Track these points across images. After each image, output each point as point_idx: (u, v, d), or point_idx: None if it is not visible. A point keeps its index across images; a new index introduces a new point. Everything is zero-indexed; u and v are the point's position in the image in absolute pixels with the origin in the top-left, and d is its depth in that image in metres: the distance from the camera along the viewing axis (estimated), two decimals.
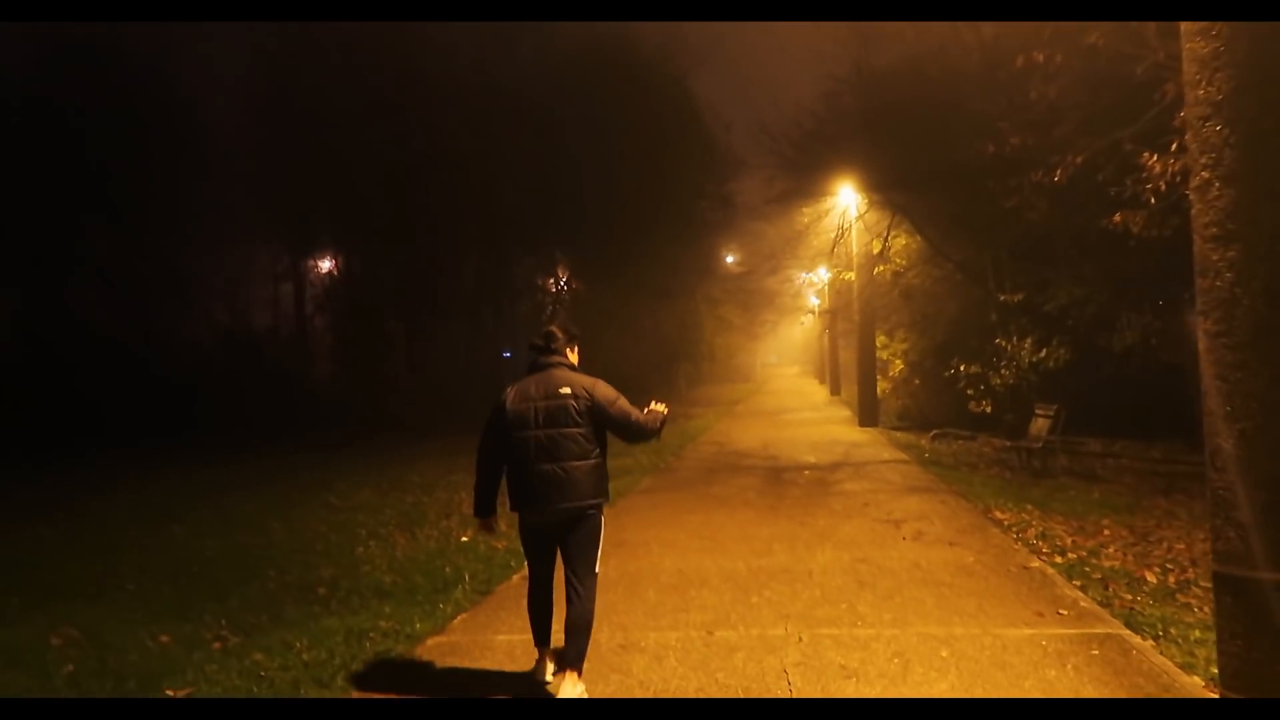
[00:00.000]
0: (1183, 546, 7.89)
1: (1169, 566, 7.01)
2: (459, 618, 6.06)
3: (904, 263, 20.99)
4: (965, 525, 8.60)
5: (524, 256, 28.99)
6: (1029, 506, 9.81)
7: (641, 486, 12.58)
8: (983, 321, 17.03)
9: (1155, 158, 7.62)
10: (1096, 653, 4.71)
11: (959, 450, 16.66)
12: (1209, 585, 6.54)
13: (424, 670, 4.97)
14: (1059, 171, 8.72)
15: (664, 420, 4.78)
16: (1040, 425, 14.51)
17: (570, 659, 4.38)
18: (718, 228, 33.67)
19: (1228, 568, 3.33)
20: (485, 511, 4.78)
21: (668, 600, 6.23)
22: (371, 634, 5.66)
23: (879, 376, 22.37)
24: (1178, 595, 6.09)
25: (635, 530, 9.05)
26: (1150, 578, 6.60)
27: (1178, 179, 7.54)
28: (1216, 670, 3.44)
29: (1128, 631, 5.09)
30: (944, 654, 4.77)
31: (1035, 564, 6.88)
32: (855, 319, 22.18)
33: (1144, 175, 7.80)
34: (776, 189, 27.26)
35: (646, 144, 26.62)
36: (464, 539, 9.01)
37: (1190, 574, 6.79)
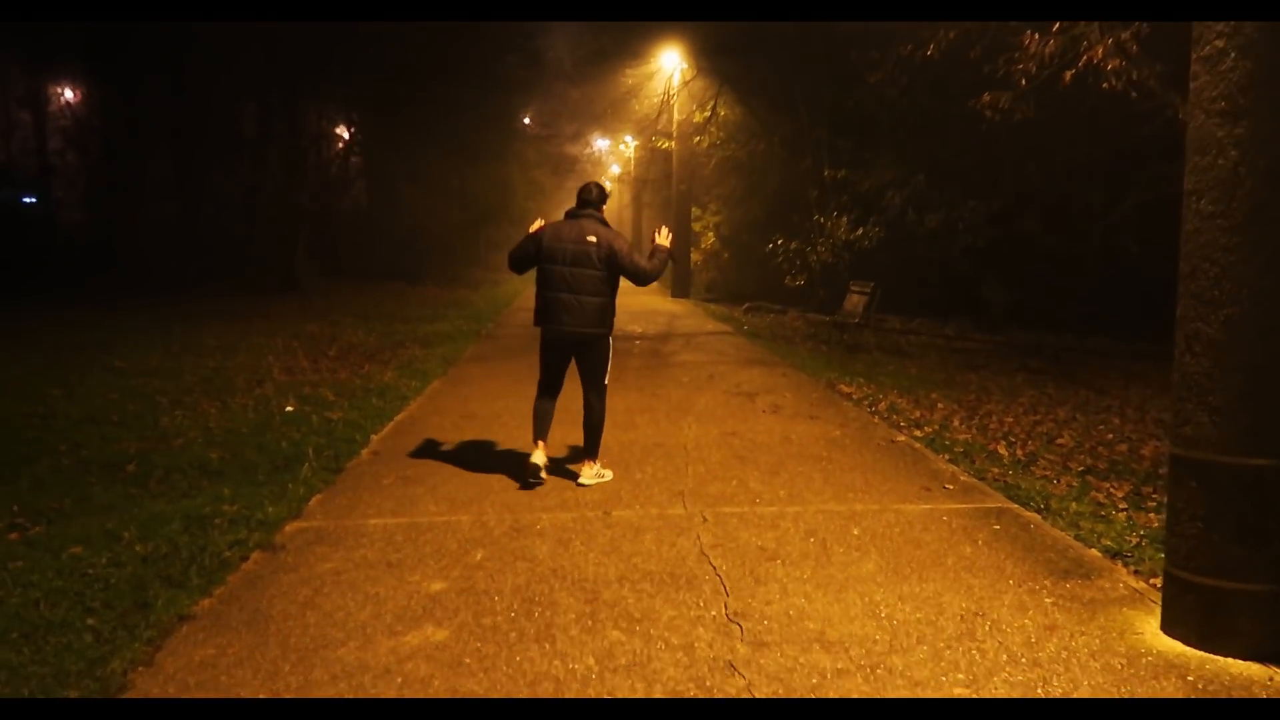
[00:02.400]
0: (1011, 420, 8.36)
1: (1011, 440, 7.37)
2: (314, 499, 5.40)
3: (722, 135, 20.85)
4: (816, 399, 8.72)
5: (314, 101, 26.38)
6: (861, 380, 10.11)
7: (468, 354, 11.98)
8: (803, 198, 17.26)
9: (1035, 36, 7.64)
10: (998, 527, 4.79)
11: (772, 323, 17.10)
12: (1053, 458, 6.96)
13: (294, 564, 4.35)
14: (931, 46, 8.63)
15: (669, 254, 5.85)
16: (855, 302, 15.03)
17: (588, 451, 5.76)
18: (525, 85, 32.12)
19: (1194, 452, 3.32)
20: (520, 271, 5.89)
21: (547, 478, 5.84)
22: (216, 520, 4.90)
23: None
24: (1032, 469, 6.38)
25: (482, 401, 8.54)
26: (1002, 451, 6.90)
27: (1054, 60, 7.62)
28: (1166, 551, 3.50)
29: (1016, 506, 5.24)
30: (855, 532, 4.71)
31: (901, 438, 7.02)
32: (672, 189, 21.96)
33: (1017, 55, 7.83)
34: (588, 47, 26.11)
35: None
36: (288, 409, 8.16)
37: (1031, 447, 7.17)
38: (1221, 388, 3.22)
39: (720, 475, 5.86)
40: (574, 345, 5.64)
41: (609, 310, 5.62)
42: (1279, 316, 3.12)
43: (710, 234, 22.14)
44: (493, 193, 26.04)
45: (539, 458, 5.62)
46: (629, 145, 35.35)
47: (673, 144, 21.54)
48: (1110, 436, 7.82)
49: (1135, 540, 4.67)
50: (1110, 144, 11.78)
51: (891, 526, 4.79)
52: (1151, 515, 5.35)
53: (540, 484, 5.58)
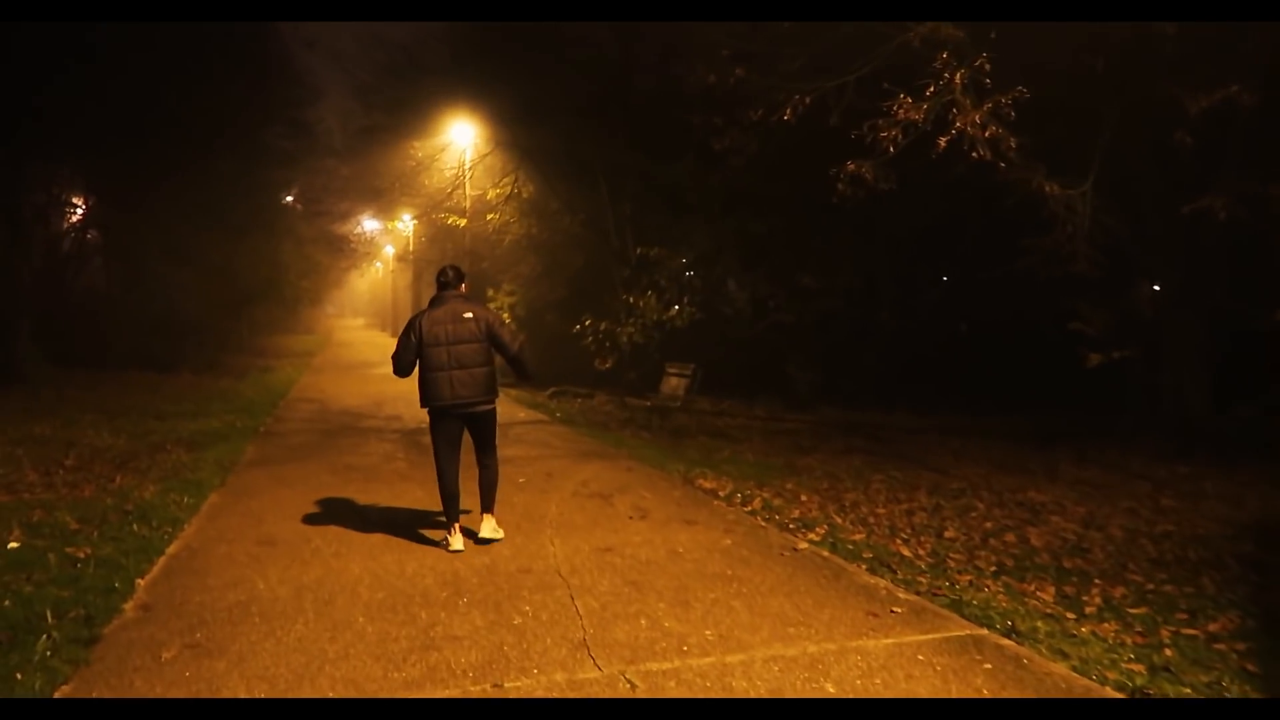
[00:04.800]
0: (883, 511, 7.76)
1: (904, 536, 6.72)
2: (59, 694, 3.73)
3: (520, 211, 19.92)
4: (680, 498, 7.72)
5: (42, 166, 22.98)
6: (710, 472, 9.27)
7: (248, 457, 10.08)
8: (611, 276, 16.57)
9: (909, 101, 7.22)
10: (990, 666, 3.93)
11: (583, 409, 16.10)
12: (957, 556, 6.31)
13: None
14: (788, 110, 8.08)
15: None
16: (674, 384, 14.42)
17: (486, 506, 6.17)
18: (294, 158, 29.81)
19: None
20: (408, 373, 6.09)
21: (394, 631, 4.43)
22: None
23: None
24: (951, 574, 5.68)
25: (280, 520, 6.89)
26: (906, 552, 6.19)
27: (928, 126, 7.24)
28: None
29: (984, 630, 4.43)
30: (830, 688, 3.69)
31: (803, 545, 6.12)
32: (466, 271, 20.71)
33: (881, 122, 7.41)
34: (359, 123, 24.51)
35: (208, 53, 22.29)
36: (12, 544, 6.16)
37: (927, 543, 6.53)
38: None
39: (621, 612, 4.68)
40: (467, 418, 6.02)
41: (495, 377, 6.07)
42: None
43: (506, 315, 21.01)
44: (262, 270, 23.58)
45: (458, 541, 5.92)
46: (407, 224, 33.74)
47: (464, 221, 20.35)
48: (989, 525, 7.36)
49: (1138, 669, 3.96)
50: (949, 216, 11.91)
51: (867, 675, 3.82)
52: (1105, 626, 4.73)
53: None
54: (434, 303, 6.14)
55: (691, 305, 15.45)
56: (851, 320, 15.92)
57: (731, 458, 10.62)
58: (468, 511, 6.34)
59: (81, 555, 5.85)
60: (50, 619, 4.58)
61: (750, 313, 16.73)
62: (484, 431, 6.14)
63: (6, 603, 4.87)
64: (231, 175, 24.66)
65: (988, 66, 6.76)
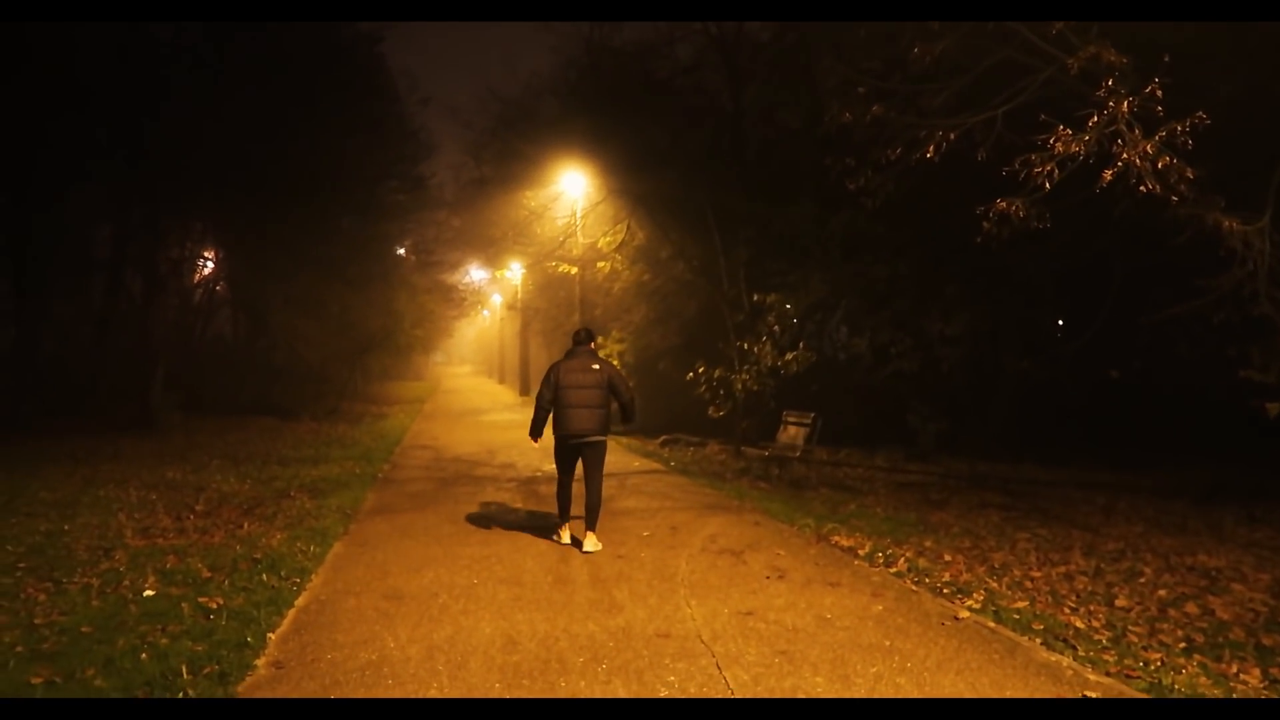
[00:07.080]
0: (1039, 575, 7.15)
1: (1070, 605, 6.12)
2: None
3: (623, 261, 19.84)
4: (816, 556, 7.27)
5: (177, 220, 24.16)
6: (841, 528, 8.78)
7: (368, 505, 10.05)
8: (724, 323, 16.24)
9: (1068, 133, 6.73)
10: None
11: (697, 458, 15.74)
12: (1138, 629, 5.69)
13: None
14: (930, 147, 7.67)
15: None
16: (793, 433, 13.89)
17: (590, 524, 7.58)
18: (408, 211, 30.74)
19: None
20: (539, 435, 7.77)
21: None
22: None
23: None
24: (1136, 651, 5.09)
25: (405, 573, 6.73)
26: (1079, 624, 5.61)
27: (1089, 159, 6.73)
28: None
29: None
30: None
31: (963, 614, 5.61)
32: (577, 316, 20.73)
33: (1035, 157, 6.93)
34: (467, 176, 25.10)
35: (330, 113, 23.18)
36: (148, 593, 6.16)
37: (1098, 613, 5.93)
38: None
39: (775, 687, 4.29)
40: (584, 445, 7.52)
41: (609, 417, 7.64)
42: None
43: (615, 361, 20.88)
44: (378, 319, 24.15)
45: (567, 537, 7.72)
46: (515, 273, 34.24)
47: (576, 270, 20.40)
48: (1162, 593, 6.69)
49: None
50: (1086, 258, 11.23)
51: None
52: None
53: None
54: (569, 355, 7.68)
55: (810, 350, 14.97)
56: (980, 368, 15.16)
57: (859, 512, 10.10)
58: (579, 517, 7.77)
59: (214, 606, 5.78)
60: (185, 674, 4.47)
61: (870, 359, 16.13)
62: (595, 458, 7.62)
63: (143, 655, 4.79)
64: (350, 229, 25.52)
65: (1160, 93, 6.25)
